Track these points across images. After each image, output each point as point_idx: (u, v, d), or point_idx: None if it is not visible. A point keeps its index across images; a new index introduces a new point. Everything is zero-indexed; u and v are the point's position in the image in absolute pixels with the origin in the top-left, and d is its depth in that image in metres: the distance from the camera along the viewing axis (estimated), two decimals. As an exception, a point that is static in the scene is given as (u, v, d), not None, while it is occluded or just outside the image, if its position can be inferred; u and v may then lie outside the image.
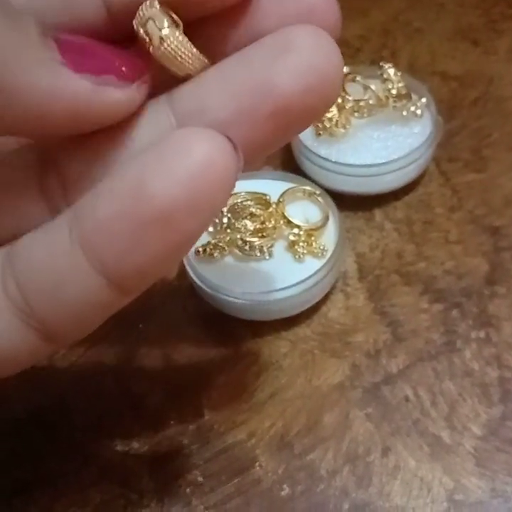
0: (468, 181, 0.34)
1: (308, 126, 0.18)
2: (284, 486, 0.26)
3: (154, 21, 0.17)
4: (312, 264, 0.29)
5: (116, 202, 0.16)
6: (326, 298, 0.31)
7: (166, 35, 0.17)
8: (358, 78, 0.33)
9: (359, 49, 0.41)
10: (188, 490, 0.26)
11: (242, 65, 0.17)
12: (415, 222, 0.33)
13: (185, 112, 0.18)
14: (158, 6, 0.17)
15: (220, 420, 0.28)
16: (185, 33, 0.18)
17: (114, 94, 0.17)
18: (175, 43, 0.17)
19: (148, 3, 0.17)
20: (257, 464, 0.27)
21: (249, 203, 0.30)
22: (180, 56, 0.17)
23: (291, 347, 0.30)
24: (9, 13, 0.16)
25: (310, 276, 0.29)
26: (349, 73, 0.34)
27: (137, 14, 0.17)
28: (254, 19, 0.18)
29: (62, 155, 0.19)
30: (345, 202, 0.33)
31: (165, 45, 0.17)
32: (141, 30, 0.17)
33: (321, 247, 0.30)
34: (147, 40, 0.17)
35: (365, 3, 0.43)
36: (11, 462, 0.27)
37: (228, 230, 0.30)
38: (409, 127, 0.34)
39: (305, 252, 0.30)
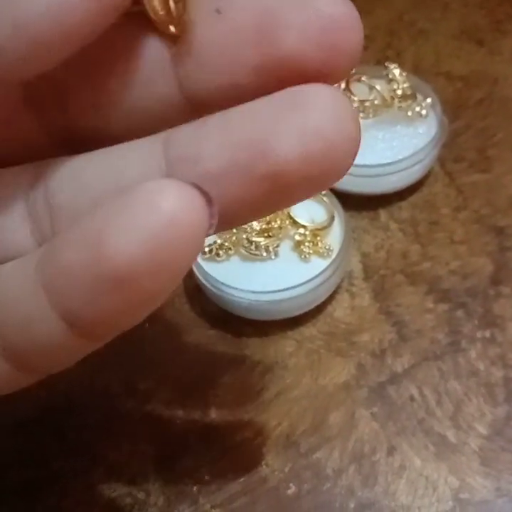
0: (473, 181, 0.34)
1: (310, 196, 0.16)
2: (290, 484, 0.26)
3: None
4: (318, 264, 0.30)
5: (76, 252, 0.14)
6: (331, 297, 0.31)
7: None
8: (364, 78, 0.33)
9: (364, 48, 0.40)
10: (194, 488, 0.26)
11: (246, 118, 0.15)
12: (420, 223, 0.33)
13: (177, 158, 0.16)
14: None
15: (226, 419, 0.28)
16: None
17: None
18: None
19: None
20: (263, 462, 0.27)
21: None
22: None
23: (297, 346, 0.30)
24: None
25: (316, 276, 0.29)
26: (354, 73, 0.34)
27: None
28: (274, 33, 0.16)
29: (53, 181, 0.18)
30: (351, 202, 0.33)
31: None
32: None
33: (327, 247, 0.30)
34: None
35: (370, 3, 0.43)
36: (18, 461, 0.28)
37: (234, 230, 0.30)
38: (415, 127, 0.34)
39: (311, 251, 0.30)
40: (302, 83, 0.15)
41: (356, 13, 0.15)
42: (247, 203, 0.16)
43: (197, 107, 0.17)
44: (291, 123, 0.15)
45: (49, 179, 0.17)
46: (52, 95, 0.17)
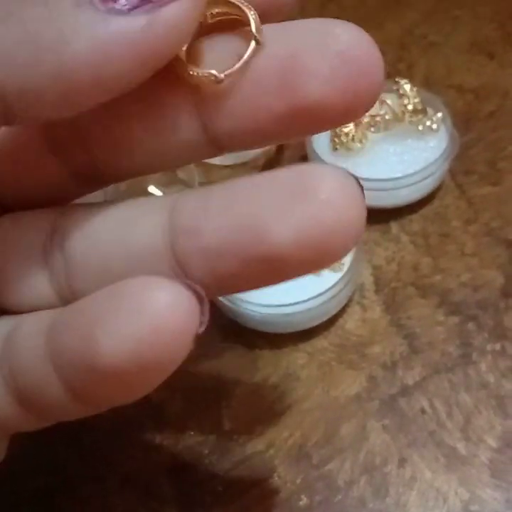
0: (483, 194, 0.35)
1: (308, 274, 0.16)
2: (302, 496, 0.26)
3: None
4: (329, 277, 0.30)
5: (73, 339, 0.15)
6: (343, 310, 0.31)
7: None
8: (374, 93, 0.34)
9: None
10: (208, 499, 0.27)
11: (249, 195, 0.15)
12: (431, 235, 0.33)
13: (181, 228, 0.16)
14: None
15: (239, 431, 0.28)
16: None
17: (171, 12, 0.14)
18: None
19: None
20: (275, 474, 0.27)
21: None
22: None
23: (308, 359, 0.30)
24: None
25: (327, 290, 0.29)
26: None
27: None
28: (298, 81, 0.15)
29: (68, 232, 0.18)
30: (362, 215, 0.33)
31: None
32: None
33: (338, 261, 0.30)
34: None
35: (380, 17, 0.44)
36: (34, 469, 0.28)
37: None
38: (425, 141, 0.34)
39: (322, 265, 0.30)
40: (321, 124, 0.16)
41: (379, 53, 0.15)
42: (242, 278, 0.16)
43: (221, 148, 0.17)
44: (289, 209, 0.15)
45: (65, 230, 0.18)
46: (77, 137, 0.18)
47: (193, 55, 0.16)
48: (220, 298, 0.30)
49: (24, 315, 0.18)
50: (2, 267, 0.18)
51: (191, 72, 0.15)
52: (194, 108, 0.16)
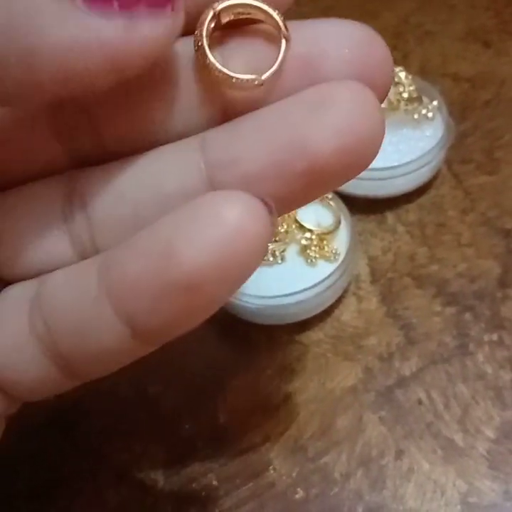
0: (480, 183, 0.34)
1: (341, 185, 0.17)
2: (298, 489, 0.26)
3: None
4: (324, 268, 0.30)
5: (144, 260, 0.15)
6: (338, 301, 0.31)
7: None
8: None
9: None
10: (203, 493, 0.26)
11: (279, 118, 0.16)
12: (427, 225, 0.33)
13: (217, 161, 0.17)
14: None
15: (234, 424, 0.28)
16: None
17: (149, 29, 0.15)
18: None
19: None
20: (271, 467, 0.27)
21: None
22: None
23: (304, 351, 0.30)
24: None
25: (322, 280, 0.29)
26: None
27: None
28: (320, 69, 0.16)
29: (89, 192, 0.18)
30: (357, 205, 0.33)
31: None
32: None
33: (333, 251, 0.30)
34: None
35: (376, 6, 0.43)
36: (30, 464, 0.28)
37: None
38: (421, 130, 0.34)
39: (317, 256, 0.30)
40: None
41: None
42: (286, 199, 0.16)
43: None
44: (325, 120, 0.15)
45: (85, 191, 0.18)
46: (86, 121, 0.18)
47: (221, 61, 0.16)
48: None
49: (49, 274, 0.18)
50: (21, 235, 0.18)
51: (234, 80, 0.16)
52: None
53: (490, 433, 0.27)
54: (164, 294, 0.15)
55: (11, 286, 0.19)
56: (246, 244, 0.15)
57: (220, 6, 0.16)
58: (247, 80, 0.16)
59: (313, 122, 0.16)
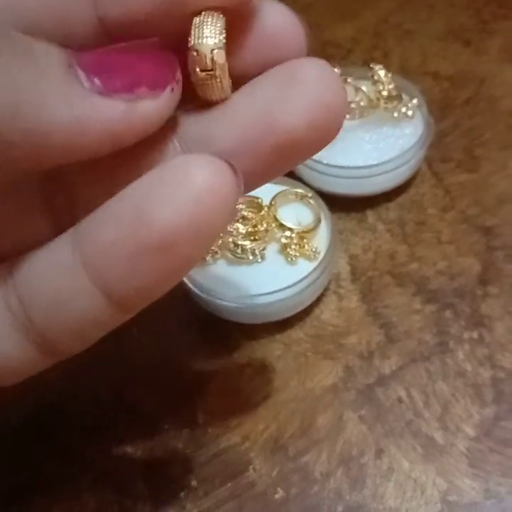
0: (460, 181, 0.34)
1: (310, 157, 0.18)
2: (278, 489, 0.26)
3: (211, 43, 0.17)
4: (304, 267, 0.30)
5: (117, 227, 0.16)
6: (318, 300, 0.31)
7: (218, 63, 0.17)
8: (349, 80, 0.34)
9: (350, 50, 0.41)
10: (182, 494, 0.26)
11: (249, 97, 0.17)
12: (407, 223, 0.33)
13: (191, 139, 0.18)
14: (221, 27, 0.17)
15: (214, 424, 0.28)
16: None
17: (148, 108, 0.16)
18: (220, 72, 0.17)
19: (212, 18, 0.17)
20: (251, 467, 0.27)
21: (240, 206, 0.30)
22: (219, 86, 0.17)
23: (284, 349, 0.30)
24: (25, 49, 0.15)
25: (302, 279, 0.29)
26: (340, 75, 0.34)
27: (194, 23, 0.17)
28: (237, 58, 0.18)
29: (72, 176, 0.19)
30: (338, 204, 0.33)
31: (212, 72, 0.17)
32: (193, 42, 0.17)
33: (314, 250, 0.30)
34: (195, 55, 0.17)
35: (356, 5, 0.43)
36: (9, 468, 0.28)
37: (220, 234, 0.30)
38: (401, 128, 0.34)
39: (297, 254, 0.30)
40: None
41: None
42: (259, 172, 0.17)
43: None
44: (293, 96, 0.16)
45: (69, 175, 0.19)
46: (63, 184, 0.19)
47: None
48: (195, 290, 0.29)
49: (23, 255, 0.18)
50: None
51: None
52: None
53: (470, 431, 0.27)
54: (138, 257, 0.15)
55: None
56: (215, 203, 0.15)
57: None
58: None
59: (282, 99, 0.16)
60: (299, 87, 0.17)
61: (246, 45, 0.18)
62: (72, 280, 0.16)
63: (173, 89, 0.17)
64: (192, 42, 0.17)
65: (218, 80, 0.17)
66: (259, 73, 0.17)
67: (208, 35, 0.16)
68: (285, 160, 0.17)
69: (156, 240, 0.15)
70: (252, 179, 0.17)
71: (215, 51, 0.17)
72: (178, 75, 0.17)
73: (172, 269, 0.16)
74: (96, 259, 0.16)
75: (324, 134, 0.17)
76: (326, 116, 0.17)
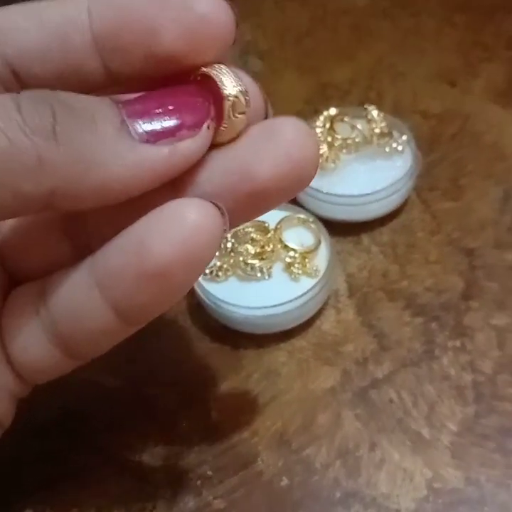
0: (446, 208, 0.38)
1: (282, 203, 0.21)
2: (283, 477, 0.29)
3: (242, 89, 0.19)
4: (306, 283, 0.32)
5: (123, 256, 0.19)
6: (319, 313, 0.34)
7: (249, 106, 0.19)
8: (346, 118, 0.37)
9: (348, 91, 0.44)
10: (198, 482, 0.29)
11: (231, 150, 0.20)
12: (399, 245, 0.36)
13: (181, 183, 0.20)
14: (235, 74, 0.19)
15: (226, 421, 0.31)
16: None
17: (189, 147, 0.19)
18: (240, 123, 0.19)
19: (224, 68, 0.19)
20: (259, 459, 0.30)
21: (250, 229, 0.33)
22: (236, 133, 0.20)
23: (288, 356, 0.33)
24: (83, 113, 0.18)
25: (304, 294, 0.32)
26: (338, 114, 0.37)
27: (215, 74, 0.19)
28: (155, 36, 0.19)
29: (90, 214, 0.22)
30: (336, 228, 0.36)
31: (245, 114, 0.19)
32: (228, 91, 0.19)
33: (315, 268, 0.33)
34: (234, 101, 0.19)
35: (353, 48, 0.47)
36: (39, 460, 0.30)
37: (232, 254, 0.33)
38: (392, 161, 0.37)
39: (300, 272, 0.33)
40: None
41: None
42: (237, 213, 0.20)
43: None
44: (266, 151, 0.19)
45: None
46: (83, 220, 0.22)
47: None
48: (208, 302, 0.33)
49: (51, 274, 0.21)
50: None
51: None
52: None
53: (453, 427, 0.30)
54: (140, 281, 0.18)
55: (21, 286, 0.23)
56: (204, 238, 0.18)
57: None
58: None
59: (258, 152, 0.19)
60: (273, 142, 0.19)
61: (177, 25, 0.19)
62: (88, 298, 0.20)
63: (208, 126, 0.19)
64: (226, 91, 0.19)
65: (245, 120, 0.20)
66: (188, 57, 0.19)
67: (235, 83, 0.19)
68: (258, 204, 0.20)
69: (154, 268, 0.18)
70: (232, 219, 0.19)
71: (246, 97, 0.19)
72: (212, 112, 0.19)
73: (168, 292, 0.19)
74: (106, 281, 0.19)
75: (295, 184, 0.19)
76: (297, 169, 0.19)
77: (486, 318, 0.33)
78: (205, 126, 0.19)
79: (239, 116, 0.19)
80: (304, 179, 0.19)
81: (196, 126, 0.19)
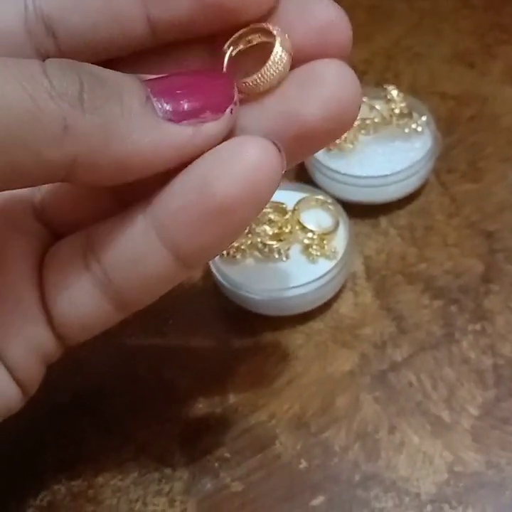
0: (465, 190, 0.37)
1: (327, 145, 0.21)
2: (302, 460, 0.29)
3: (280, 62, 0.19)
4: (324, 265, 0.32)
5: (185, 196, 0.19)
6: (337, 296, 0.34)
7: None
8: (365, 99, 0.37)
9: (365, 72, 0.44)
10: (216, 464, 0.29)
11: (278, 95, 0.20)
12: (417, 228, 0.36)
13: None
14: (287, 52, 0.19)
15: (243, 403, 0.31)
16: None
17: (212, 129, 0.19)
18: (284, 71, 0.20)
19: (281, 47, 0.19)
20: (277, 441, 0.30)
21: (268, 210, 0.33)
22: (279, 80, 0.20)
23: (306, 339, 0.33)
24: (112, 88, 0.18)
25: (322, 276, 0.32)
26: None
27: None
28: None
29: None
30: (354, 210, 0.36)
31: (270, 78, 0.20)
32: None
33: (333, 250, 0.33)
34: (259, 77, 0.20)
35: (369, 30, 0.47)
36: (58, 441, 0.30)
37: (249, 235, 0.33)
38: (411, 143, 0.37)
39: (318, 254, 0.33)
40: None
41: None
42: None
43: None
44: (314, 94, 0.19)
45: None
46: None
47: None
48: (226, 284, 0.32)
49: (98, 223, 0.22)
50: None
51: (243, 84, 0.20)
52: None
53: (473, 411, 0.30)
54: (203, 220, 0.19)
55: (63, 240, 0.22)
56: (265, 175, 0.18)
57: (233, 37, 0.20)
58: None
59: (304, 97, 0.19)
60: (318, 84, 0.19)
61: (296, 33, 0.20)
62: (144, 243, 0.20)
63: (232, 110, 0.19)
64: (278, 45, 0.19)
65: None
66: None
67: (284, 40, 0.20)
68: (305, 147, 0.20)
69: (218, 206, 0.18)
70: None
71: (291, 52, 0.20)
72: (236, 97, 0.20)
73: (228, 230, 0.19)
74: (167, 223, 0.19)
75: (339, 125, 0.20)
76: (342, 111, 0.19)
77: (507, 302, 0.33)
78: (228, 110, 0.19)
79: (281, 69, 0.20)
80: (348, 119, 0.20)
81: (219, 109, 0.19)
